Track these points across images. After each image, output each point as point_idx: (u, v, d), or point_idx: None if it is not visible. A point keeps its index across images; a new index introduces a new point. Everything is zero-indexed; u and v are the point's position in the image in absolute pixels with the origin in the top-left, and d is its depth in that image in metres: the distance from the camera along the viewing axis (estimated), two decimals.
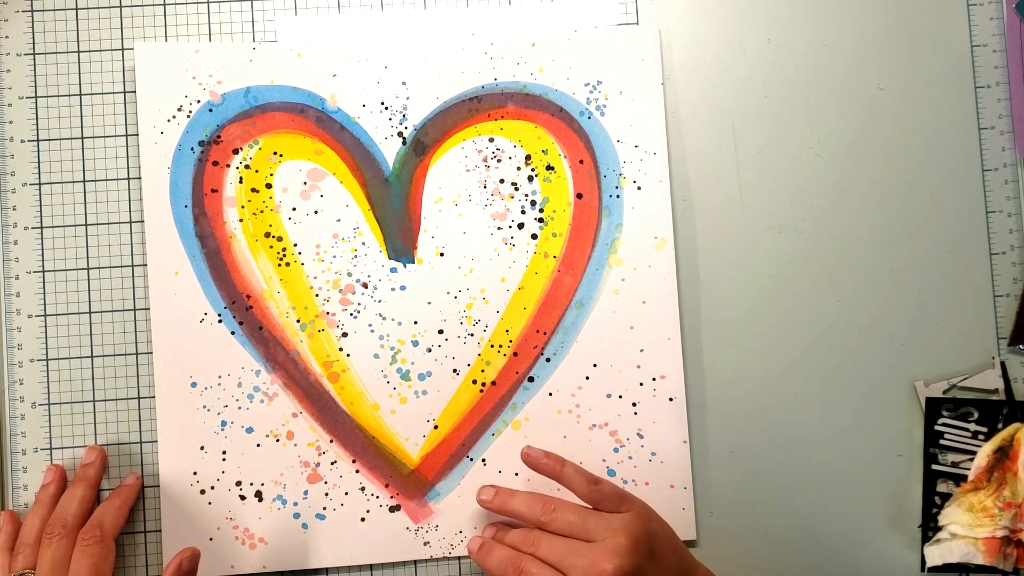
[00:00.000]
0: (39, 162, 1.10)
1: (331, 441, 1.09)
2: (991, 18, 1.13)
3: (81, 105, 1.10)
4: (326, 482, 1.08)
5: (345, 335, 1.09)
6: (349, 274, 1.09)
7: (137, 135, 1.09)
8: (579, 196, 1.11)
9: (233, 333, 1.08)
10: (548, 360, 1.10)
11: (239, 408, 1.08)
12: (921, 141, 1.12)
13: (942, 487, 1.10)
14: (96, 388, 1.09)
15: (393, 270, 1.10)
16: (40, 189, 1.09)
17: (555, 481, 1.03)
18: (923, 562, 1.09)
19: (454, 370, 1.10)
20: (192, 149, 1.09)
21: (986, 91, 1.13)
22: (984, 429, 1.09)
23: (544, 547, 0.97)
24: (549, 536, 0.98)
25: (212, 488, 1.08)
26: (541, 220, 1.11)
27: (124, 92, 1.10)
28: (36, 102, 1.10)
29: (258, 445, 1.08)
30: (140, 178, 1.09)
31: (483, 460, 1.10)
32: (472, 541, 1.03)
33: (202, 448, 1.08)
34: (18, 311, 1.09)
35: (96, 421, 1.09)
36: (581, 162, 1.11)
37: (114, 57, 1.10)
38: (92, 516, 1.02)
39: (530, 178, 1.11)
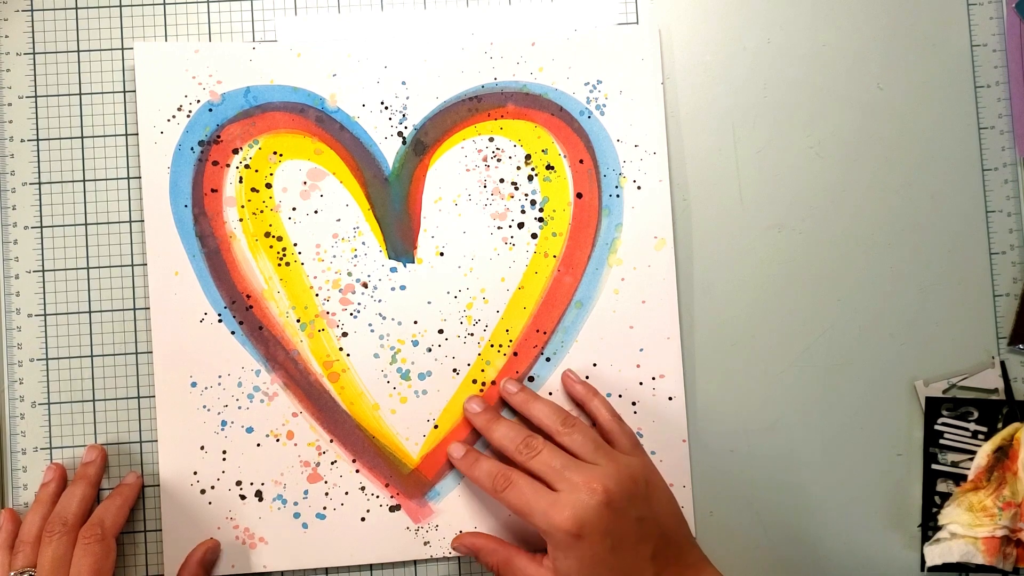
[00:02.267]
0: (39, 162, 1.10)
1: (331, 441, 1.09)
2: (991, 18, 1.13)
3: (81, 105, 1.10)
4: (326, 482, 1.08)
5: (345, 335, 1.09)
6: (349, 274, 1.09)
7: (137, 135, 1.10)
8: (579, 196, 1.11)
9: (233, 333, 1.08)
10: (548, 360, 1.10)
11: (239, 408, 1.08)
12: (921, 141, 1.12)
13: (942, 487, 1.10)
14: (96, 388, 1.09)
15: (393, 270, 1.10)
16: (40, 189, 1.09)
17: (581, 406, 1.07)
18: (923, 562, 1.09)
19: (454, 370, 1.10)
20: (192, 149, 1.09)
21: (986, 91, 1.13)
22: (984, 429, 1.10)
23: (545, 455, 0.98)
24: (552, 447, 0.99)
25: (212, 488, 1.08)
26: (541, 220, 1.11)
27: (124, 92, 1.10)
28: (36, 102, 1.10)
29: (258, 445, 1.08)
30: (140, 178, 1.09)
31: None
32: (454, 447, 1.07)
33: (202, 448, 1.08)
34: (18, 311, 1.09)
35: (96, 421, 1.09)
36: (581, 162, 1.11)
37: (114, 57, 1.11)
38: (93, 515, 1.02)
39: (530, 178, 1.11)
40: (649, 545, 0.96)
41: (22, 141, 1.10)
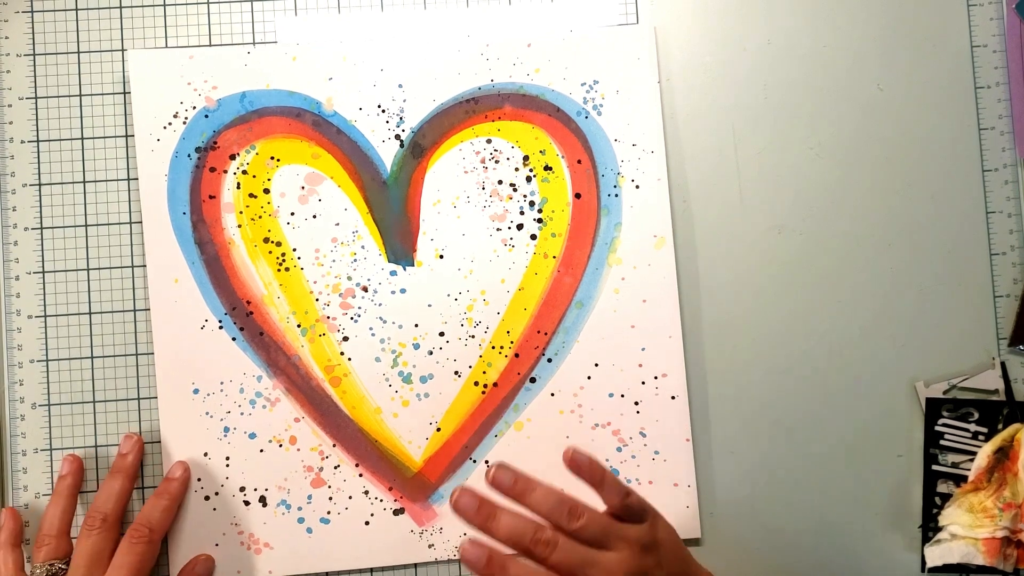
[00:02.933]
0: (39, 163, 1.10)
1: (334, 445, 1.09)
2: (991, 18, 1.13)
3: (81, 106, 1.10)
4: (330, 486, 1.09)
5: (346, 339, 1.09)
6: (349, 278, 1.09)
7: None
8: (577, 196, 1.11)
9: (234, 339, 1.09)
10: (549, 360, 1.10)
11: (242, 414, 1.08)
12: (921, 141, 1.12)
13: (942, 487, 1.10)
14: (96, 388, 1.09)
15: (393, 273, 1.10)
16: (40, 190, 1.09)
17: (589, 487, 0.98)
18: (923, 562, 1.10)
19: (455, 372, 1.10)
20: (189, 156, 1.09)
21: (986, 91, 1.13)
22: (984, 429, 1.10)
23: (563, 551, 0.93)
24: (565, 540, 0.94)
25: (216, 494, 1.08)
26: (540, 220, 1.11)
27: (124, 93, 1.10)
28: (36, 103, 1.10)
29: (261, 451, 1.09)
30: (139, 181, 1.09)
31: (486, 462, 1.10)
32: (470, 550, 0.92)
33: (206, 455, 1.08)
34: (18, 312, 1.09)
35: (96, 422, 1.09)
36: (579, 162, 1.11)
37: (113, 58, 1.10)
38: (140, 514, 1.04)
39: (528, 178, 1.11)
40: None
41: (22, 142, 1.10)
